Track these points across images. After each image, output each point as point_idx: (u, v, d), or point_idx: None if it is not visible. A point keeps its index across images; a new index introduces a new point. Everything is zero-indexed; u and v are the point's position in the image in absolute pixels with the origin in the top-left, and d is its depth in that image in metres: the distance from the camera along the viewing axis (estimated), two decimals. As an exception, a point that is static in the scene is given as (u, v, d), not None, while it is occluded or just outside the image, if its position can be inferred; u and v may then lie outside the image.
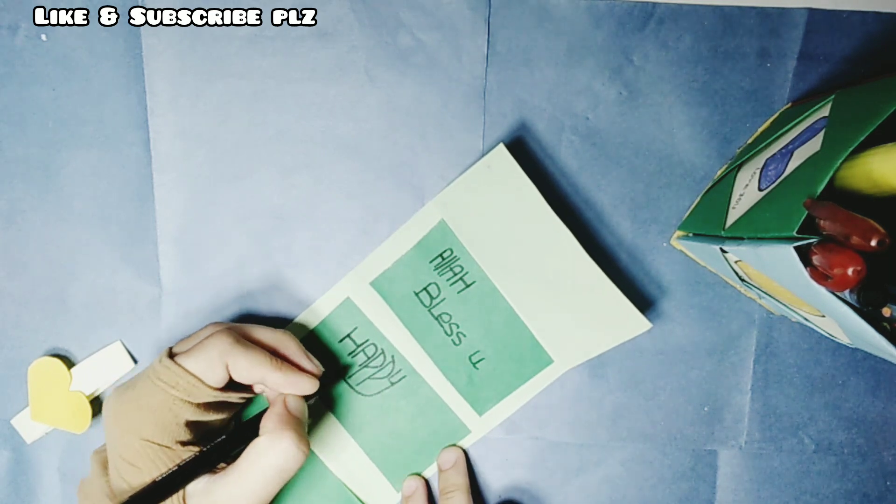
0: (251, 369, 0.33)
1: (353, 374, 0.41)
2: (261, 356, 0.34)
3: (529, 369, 0.40)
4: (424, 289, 0.40)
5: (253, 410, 0.41)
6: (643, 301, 0.40)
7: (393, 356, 0.41)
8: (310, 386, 0.35)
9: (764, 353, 0.40)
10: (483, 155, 0.39)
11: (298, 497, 0.41)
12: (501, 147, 0.36)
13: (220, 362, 0.33)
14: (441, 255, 0.39)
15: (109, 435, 0.33)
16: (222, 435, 0.35)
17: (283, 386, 0.34)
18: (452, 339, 0.40)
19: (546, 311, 0.39)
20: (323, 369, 0.37)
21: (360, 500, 0.42)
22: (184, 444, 0.33)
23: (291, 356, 0.36)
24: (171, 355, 0.34)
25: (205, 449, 0.33)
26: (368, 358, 0.41)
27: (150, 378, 0.33)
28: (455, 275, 0.40)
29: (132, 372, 0.42)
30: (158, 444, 0.32)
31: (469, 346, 0.40)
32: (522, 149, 0.39)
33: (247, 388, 0.36)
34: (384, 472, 0.42)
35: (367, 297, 0.40)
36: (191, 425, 0.34)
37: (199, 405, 0.34)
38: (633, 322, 0.36)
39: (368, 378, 0.41)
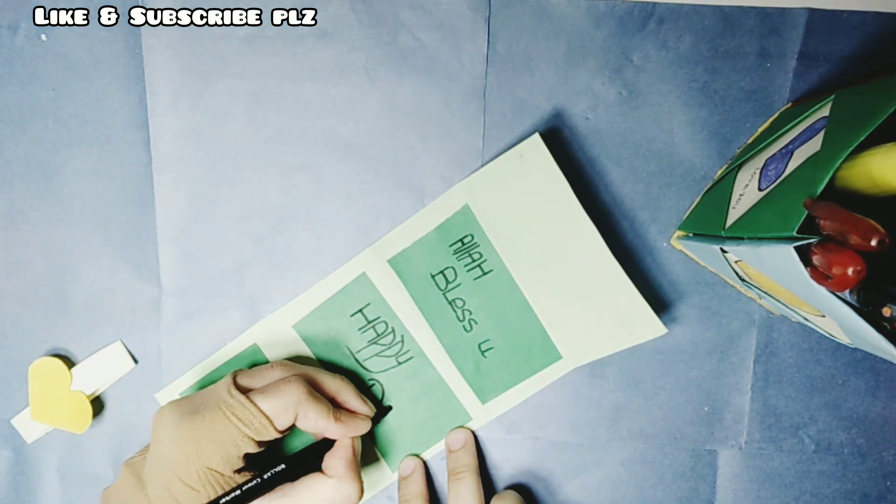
0: (317, 421, 0.35)
1: (360, 350, 0.41)
2: (326, 410, 0.36)
3: (537, 363, 0.40)
4: (441, 272, 0.40)
5: (294, 440, 0.41)
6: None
7: (402, 336, 0.41)
8: (363, 428, 0.37)
9: (764, 353, 0.40)
10: (483, 155, 0.39)
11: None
12: (536, 137, 0.36)
13: (293, 410, 0.35)
14: (461, 240, 0.39)
15: (167, 456, 0.34)
16: (262, 460, 0.37)
17: (340, 436, 0.37)
18: (464, 326, 0.40)
19: (561, 307, 0.39)
20: (375, 410, 0.39)
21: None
22: (238, 471, 0.35)
23: (349, 401, 0.38)
24: (240, 388, 0.35)
25: (263, 477, 0.35)
26: (378, 335, 0.41)
27: (223, 410, 0.34)
28: (473, 261, 0.40)
29: (132, 372, 0.42)
30: (220, 474, 0.34)
31: (479, 334, 0.40)
32: (522, 149, 0.39)
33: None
34: (381, 451, 0.42)
35: (383, 274, 0.40)
36: (246, 456, 0.35)
37: (260, 441, 0.35)
38: (649, 325, 0.36)
39: (376, 355, 0.41)
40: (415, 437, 0.42)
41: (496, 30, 0.38)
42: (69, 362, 0.42)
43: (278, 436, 0.35)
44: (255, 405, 0.34)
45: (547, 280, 0.38)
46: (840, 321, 0.27)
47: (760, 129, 0.38)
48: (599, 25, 0.38)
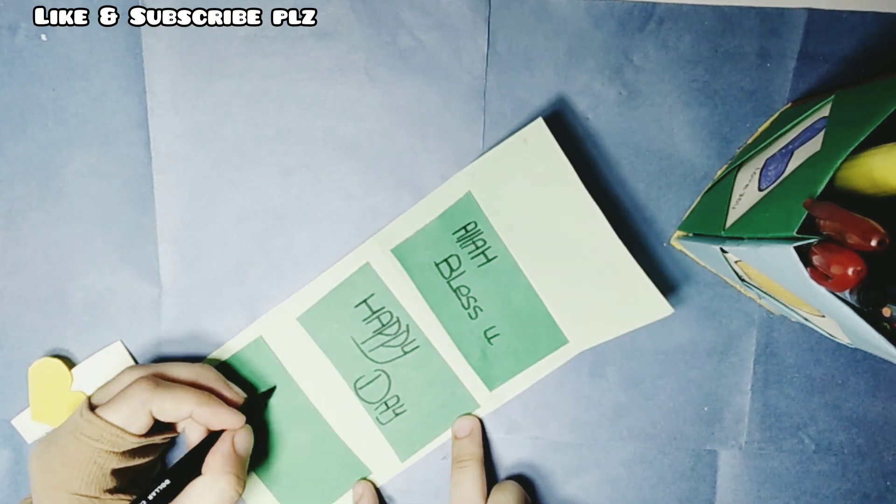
0: (177, 408, 0.34)
1: (365, 341, 0.41)
2: (185, 393, 0.35)
3: (544, 348, 0.40)
4: (445, 260, 0.40)
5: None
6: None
7: (408, 325, 0.41)
8: (235, 419, 0.36)
9: (764, 353, 0.40)
10: (484, 153, 0.39)
11: (304, 458, 0.42)
12: (540, 121, 0.36)
13: (142, 411, 0.34)
14: (465, 227, 0.39)
15: (36, 490, 0.34)
16: (150, 475, 0.36)
17: (210, 420, 0.35)
18: (469, 313, 0.40)
19: (566, 291, 0.39)
20: (245, 396, 0.38)
21: (365, 465, 0.42)
22: (112, 491, 0.34)
23: (212, 387, 0.37)
24: (91, 407, 0.35)
25: (148, 498, 0.34)
26: (383, 325, 0.41)
27: (73, 433, 0.33)
28: (477, 248, 0.39)
29: (132, 372, 0.42)
30: (87, 497, 0.33)
31: (485, 321, 0.40)
32: (522, 149, 0.39)
33: (170, 428, 0.37)
34: (389, 440, 0.42)
35: (386, 263, 0.40)
36: (117, 472, 0.34)
37: (124, 453, 0.34)
38: (655, 306, 0.36)
39: (381, 346, 0.41)
40: (423, 427, 0.41)
41: (496, 30, 0.38)
42: (69, 362, 0.42)
43: (143, 441, 0.34)
44: (101, 418, 0.33)
45: (551, 264, 0.38)
46: (840, 321, 0.27)
47: (760, 129, 0.38)
48: (599, 25, 0.38)
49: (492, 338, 0.40)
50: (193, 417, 0.35)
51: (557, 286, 0.39)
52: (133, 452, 0.35)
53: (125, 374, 0.37)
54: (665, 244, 0.40)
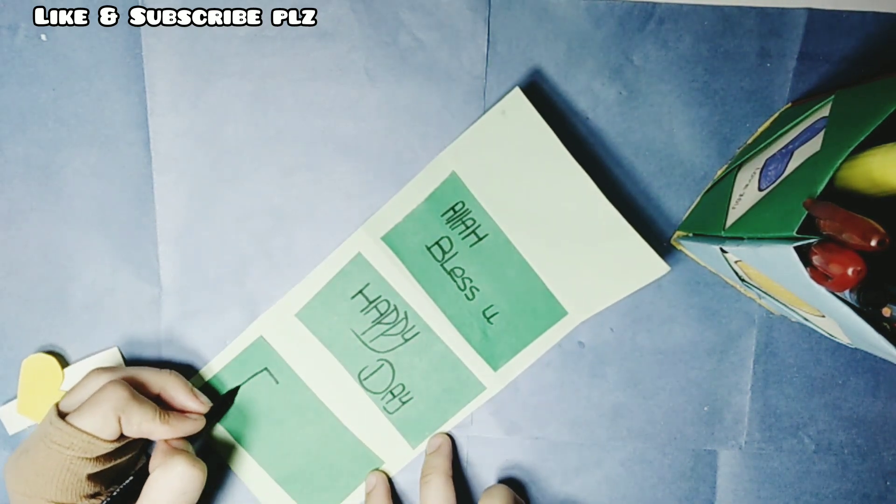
0: (141, 425, 0.34)
1: (365, 332, 0.41)
2: (151, 412, 0.35)
3: (543, 322, 0.40)
4: (437, 243, 0.40)
5: None
6: (643, 300, 0.40)
7: (406, 312, 0.41)
8: (195, 427, 0.37)
9: (764, 353, 0.40)
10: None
11: (315, 453, 0.42)
12: (517, 91, 0.36)
13: (114, 417, 0.34)
14: (453, 208, 0.39)
15: (14, 500, 0.34)
16: (132, 472, 0.36)
17: (169, 436, 0.36)
18: (466, 294, 0.40)
19: (560, 261, 0.39)
20: (210, 404, 0.38)
21: (377, 456, 0.42)
22: (91, 496, 0.34)
23: (176, 398, 0.37)
24: (61, 414, 0.34)
25: (107, 499, 0.34)
26: (381, 314, 0.41)
27: (44, 441, 0.33)
28: (467, 228, 0.39)
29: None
30: (65, 503, 0.33)
31: (482, 301, 0.40)
32: (522, 149, 0.39)
33: None
34: (398, 429, 0.42)
35: (378, 252, 0.40)
36: (94, 476, 0.34)
37: (98, 458, 0.34)
38: (651, 266, 0.36)
39: (381, 335, 0.41)
40: (431, 413, 0.41)
41: (496, 30, 0.38)
42: (65, 362, 0.41)
43: (115, 445, 0.34)
44: (71, 425, 0.33)
45: (543, 236, 0.38)
46: (840, 321, 0.27)
47: (760, 129, 0.38)
48: (599, 25, 0.38)
49: (491, 317, 0.40)
50: (153, 436, 0.35)
51: (551, 257, 0.39)
52: (108, 455, 0.35)
53: (91, 379, 0.36)
54: (665, 244, 0.40)
